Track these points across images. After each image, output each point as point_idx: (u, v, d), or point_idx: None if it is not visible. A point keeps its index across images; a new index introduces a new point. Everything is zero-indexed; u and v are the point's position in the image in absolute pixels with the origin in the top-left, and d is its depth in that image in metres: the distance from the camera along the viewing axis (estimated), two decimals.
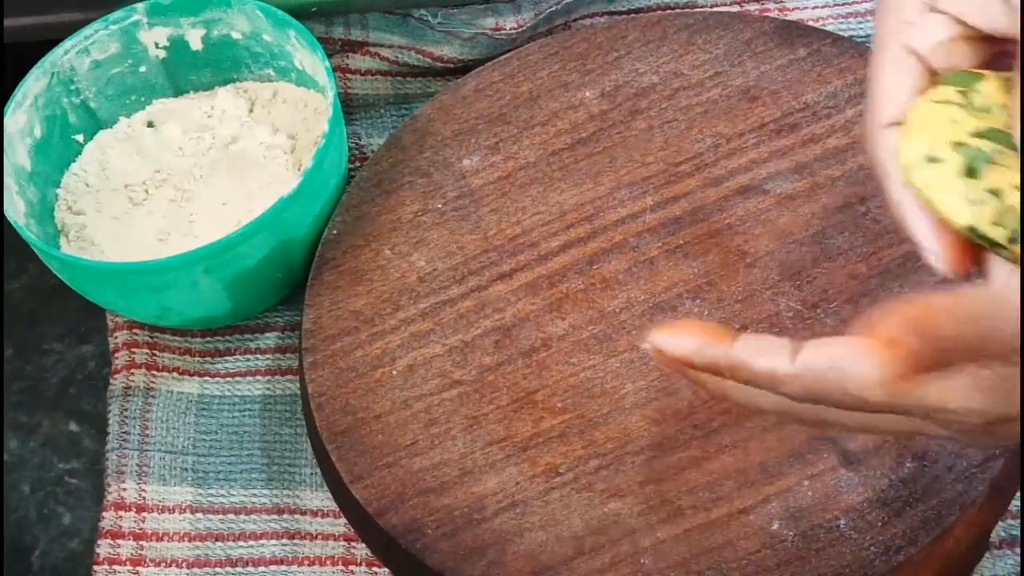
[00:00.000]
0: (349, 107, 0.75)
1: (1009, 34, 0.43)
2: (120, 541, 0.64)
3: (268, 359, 0.68)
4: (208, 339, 0.69)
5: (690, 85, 0.68)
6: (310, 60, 0.69)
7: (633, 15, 0.75)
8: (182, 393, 0.68)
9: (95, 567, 0.63)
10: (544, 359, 0.61)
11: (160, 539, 0.64)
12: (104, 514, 0.64)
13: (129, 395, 0.67)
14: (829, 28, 0.72)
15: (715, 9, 0.75)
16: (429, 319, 0.63)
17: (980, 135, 0.42)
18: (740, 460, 0.56)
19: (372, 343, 0.63)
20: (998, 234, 0.41)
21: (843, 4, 0.75)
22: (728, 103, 0.67)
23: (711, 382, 0.44)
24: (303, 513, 0.64)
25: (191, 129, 0.72)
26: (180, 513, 0.64)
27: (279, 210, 0.63)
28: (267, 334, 0.69)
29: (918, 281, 0.59)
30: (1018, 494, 0.58)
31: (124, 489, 0.65)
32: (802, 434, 0.56)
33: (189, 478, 0.65)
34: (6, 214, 0.65)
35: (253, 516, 0.64)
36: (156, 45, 0.72)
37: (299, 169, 0.69)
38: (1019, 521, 0.59)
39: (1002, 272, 0.43)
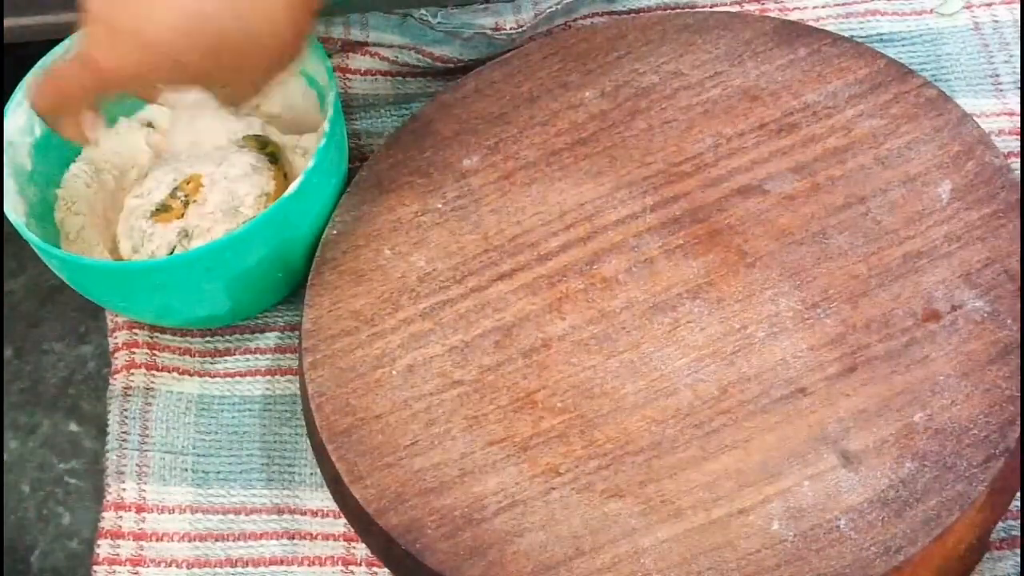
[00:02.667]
0: (349, 107, 0.75)
1: None
2: (120, 541, 0.64)
3: (268, 359, 0.68)
4: (208, 339, 0.69)
5: (690, 85, 0.68)
6: (310, 60, 0.68)
7: (633, 15, 0.75)
8: (182, 393, 0.67)
9: (95, 567, 0.63)
10: (544, 359, 0.61)
11: (160, 539, 0.64)
12: (104, 514, 0.64)
13: (129, 395, 0.67)
14: (829, 28, 0.72)
15: (715, 9, 0.75)
16: (429, 319, 0.63)
17: None
18: (740, 460, 0.56)
19: (372, 343, 0.63)
20: None
21: (843, 4, 0.75)
22: (728, 103, 0.67)
23: None
24: (303, 513, 0.64)
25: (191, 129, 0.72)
26: (180, 513, 0.64)
27: (279, 210, 0.63)
28: (267, 334, 0.69)
29: (918, 281, 0.59)
30: (1018, 494, 0.58)
31: (124, 489, 0.65)
32: (802, 434, 0.56)
33: (189, 478, 0.65)
34: (6, 214, 0.65)
35: (253, 516, 0.64)
36: None
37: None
38: (1019, 521, 0.59)
39: None
